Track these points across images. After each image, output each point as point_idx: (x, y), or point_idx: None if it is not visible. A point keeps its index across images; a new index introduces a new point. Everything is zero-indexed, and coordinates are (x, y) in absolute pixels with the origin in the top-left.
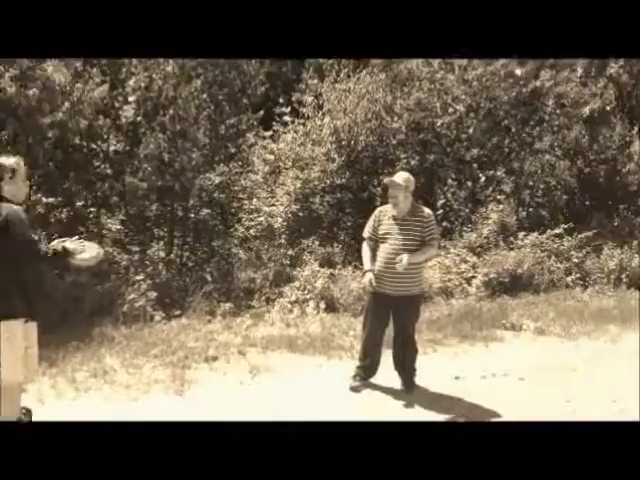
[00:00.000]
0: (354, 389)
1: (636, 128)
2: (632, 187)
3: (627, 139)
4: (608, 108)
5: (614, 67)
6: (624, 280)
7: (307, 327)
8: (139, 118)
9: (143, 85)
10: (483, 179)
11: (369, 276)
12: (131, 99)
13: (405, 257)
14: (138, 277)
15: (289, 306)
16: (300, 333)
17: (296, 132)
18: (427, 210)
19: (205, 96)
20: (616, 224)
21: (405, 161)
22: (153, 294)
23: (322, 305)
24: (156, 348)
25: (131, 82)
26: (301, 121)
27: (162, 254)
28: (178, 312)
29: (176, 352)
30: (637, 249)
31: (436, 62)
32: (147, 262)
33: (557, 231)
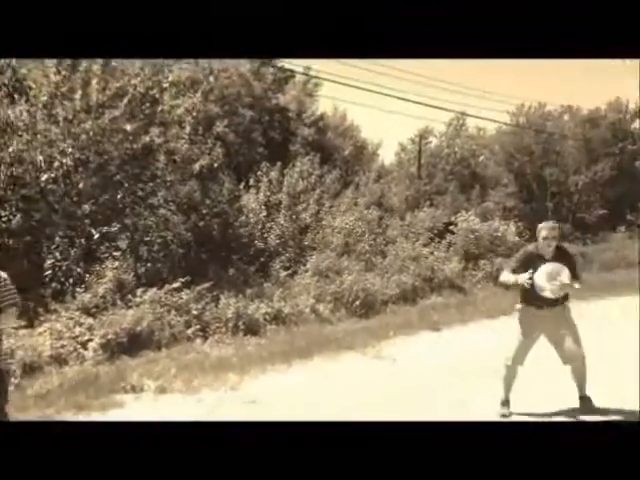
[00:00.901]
0: None
1: (243, 183)
2: (244, 239)
3: (236, 193)
4: (216, 165)
5: (220, 126)
6: (241, 327)
7: None
8: None
9: None
10: (97, 235)
11: None
12: None
13: None
14: None
15: None
16: None
17: None
18: (2, 274)
19: None
20: (231, 274)
21: (5, 219)
22: None
23: None
24: None
25: None
26: None
27: None
28: None
29: None
30: (251, 297)
31: (39, 113)
32: None
33: (175, 285)
